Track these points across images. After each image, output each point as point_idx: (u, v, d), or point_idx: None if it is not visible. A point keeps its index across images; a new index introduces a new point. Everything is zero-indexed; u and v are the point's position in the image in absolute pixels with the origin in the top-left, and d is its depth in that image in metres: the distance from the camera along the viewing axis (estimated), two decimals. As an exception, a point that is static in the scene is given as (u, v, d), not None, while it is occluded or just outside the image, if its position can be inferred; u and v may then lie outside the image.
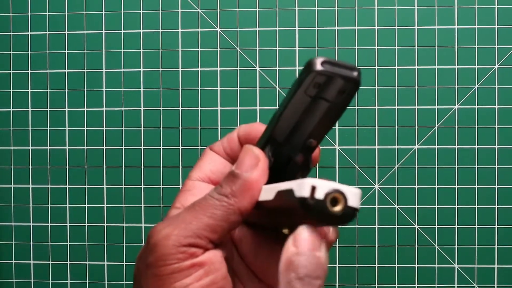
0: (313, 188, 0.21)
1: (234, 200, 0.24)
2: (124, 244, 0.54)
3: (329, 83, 0.23)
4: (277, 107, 0.25)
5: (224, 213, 0.24)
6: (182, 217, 0.25)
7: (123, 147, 0.54)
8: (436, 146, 0.53)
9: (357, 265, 0.53)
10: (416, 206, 0.53)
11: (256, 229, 0.29)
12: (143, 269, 0.25)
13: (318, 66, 0.22)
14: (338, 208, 0.21)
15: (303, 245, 0.22)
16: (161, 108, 0.54)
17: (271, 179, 0.26)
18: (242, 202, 0.25)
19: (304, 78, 0.23)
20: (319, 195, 0.21)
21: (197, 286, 0.24)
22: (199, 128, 0.54)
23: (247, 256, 0.28)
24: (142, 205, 0.54)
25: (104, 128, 0.54)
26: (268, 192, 0.25)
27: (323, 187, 0.21)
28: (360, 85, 0.23)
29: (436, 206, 0.53)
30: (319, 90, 0.23)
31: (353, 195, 0.22)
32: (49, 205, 0.55)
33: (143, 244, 0.54)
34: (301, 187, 0.21)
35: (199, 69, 0.54)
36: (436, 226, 0.53)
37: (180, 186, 0.54)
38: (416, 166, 0.53)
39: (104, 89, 0.54)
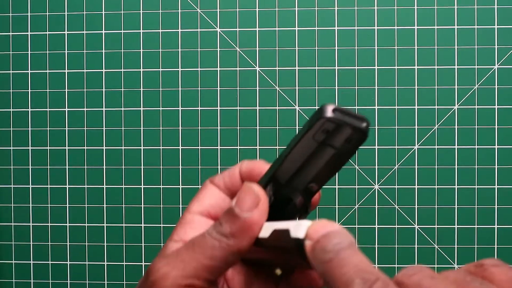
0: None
1: (234, 241, 0.24)
2: (124, 244, 0.54)
3: (337, 130, 0.24)
4: (284, 148, 0.26)
5: (223, 254, 0.24)
6: (181, 257, 0.25)
7: (123, 147, 0.54)
8: (436, 146, 0.53)
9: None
10: (416, 206, 0.53)
11: (248, 265, 0.29)
12: None
13: (329, 113, 0.23)
14: None
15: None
16: (161, 108, 0.54)
17: (270, 218, 0.26)
18: (241, 243, 0.24)
19: (313, 123, 0.23)
20: None
21: None
22: (199, 128, 0.54)
23: None
24: (142, 205, 0.54)
25: (104, 128, 0.54)
26: (264, 230, 0.25)
27: None
28: (367, 137, 0.24)
29: (436, 206, 0.53)
30: (327, 137, 0.24)
31: None
32: (49, 205, 0.55)
33: (143, 244, 0.54)
34: (298, 228, 0.22)
35: (199, 69, 0.54)
36: (436, 226, 0.53)
37: (180, 187, 0.54)
38: (416, 166, 0.53)
39: (104, 89, 0.54)
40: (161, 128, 0.54)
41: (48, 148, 0.55)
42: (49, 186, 0.55)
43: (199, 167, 0.54)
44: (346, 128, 0.23)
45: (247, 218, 0.24)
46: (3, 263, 0.55)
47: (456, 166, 0.53)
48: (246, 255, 0.26)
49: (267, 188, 0.26)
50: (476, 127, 0.53)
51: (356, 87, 0.53)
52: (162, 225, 0.54)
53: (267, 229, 0.25)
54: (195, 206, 0.29)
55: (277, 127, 0.54)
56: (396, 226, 0.53)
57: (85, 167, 0.54)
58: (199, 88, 0.54)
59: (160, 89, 0.54)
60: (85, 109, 0.54)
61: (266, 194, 0.25)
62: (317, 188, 0.27)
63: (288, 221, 0.24)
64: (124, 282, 0.54)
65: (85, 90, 0.54)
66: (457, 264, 0.53)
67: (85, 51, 0.54)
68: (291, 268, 0.29)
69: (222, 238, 0.24)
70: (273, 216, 0.26)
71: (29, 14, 0.55)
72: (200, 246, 0.25)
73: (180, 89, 0.54)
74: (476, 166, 0.53)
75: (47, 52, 0.55)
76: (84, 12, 0.54)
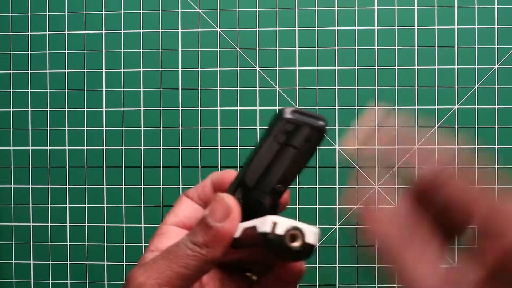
0: (274, 224, 0.23)
1: (207, 250, 0.25)
2: (124, 244, 0.54)
3: (297, 130, 0.25)
4: (250, 152, 0.28)
5: (197, 263, 0.25)
6: (157, 265, 0.26)
7: (123, 147, 0.54)
8: (436, 146, 0.53)
9: (356, 265, 0.53)
10: (416, 206, 0.53)
11: (223, 270, 0.30)
12: None
13: (288, 115, 0.25)
14: (296, 244, 0.23)
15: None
16: (161, 108, 0.54)
17: (241, 221, 0.28)
18: (214, 252, 0.25)
19: (274, 125, 0.25)
20: (279, 231, 0.23)
21: None
22: (199, 128, 0.54)
23: None
24: (142, 205, 0.54)
25: (104, 128, 0.54)
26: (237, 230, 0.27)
27: (283, 223, 0.23)
28: (325, 134, 0.26)
29: (436, 206, 0.53)
30: (287, 137, 0.26)
31: (311, 233, 0.24)
32: (49, 205, 0.55)
33: (143, 244, 0.54)
34: (264, 223, 0.24)
35: (199, 69, 0.54)
36: (436, 226, 0.53)
37: (180, 187, 0.54)
38: (416, 166, 0.53)
39: (104, 89, 0.54)
40: (161, 128, 0.54)
41: (48, 148, 0.55)
42: (49, 186, 0.55)
43: (199, 167, 0.54)
44: (305, 127, 0.25)
45: (219, 228, 0.25)
46: (3, 263, 0.55)
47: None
48: (220, 259, 0.27)
49: (236, 192, 0.28)
50: (476, 127, 0.53)
51: (356, 87, 0.53)
52: (162, 225, 0.54)
53: (239, 229, 0.26)
54: (170, 217, 0.30)
55: (277, 127, 0.54)
56: (396, 226, 0.53)
57: (85, 167, 0.54)
58: (199, 88, 0.54)
59: (160, 89, 0.54)
60: (85, 109, 0.54)
61: (237, 203, 0.27)
62: (284, 189, 0.28)
63: (256, 219, 0.25)
64: (124, 282, 0.54)
65: (85, 90, 0.54)
66: (457, 264, 0.53)
67: (85, 51, 0.54)
68: (265, 268, 0.30)
69: (195, 248, 0.25)
70: (244, 219, 0.28)
71: (29, 14, 0.55)
72: (174, 255, 0.25)
73: (180, 89, 0.54)
74: (476, 166, 0.53)
75: (47, 52, 0.55)
76: (84, 12, 0.54)
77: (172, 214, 0.30)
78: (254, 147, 0.27)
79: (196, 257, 0.25)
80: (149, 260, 0.27)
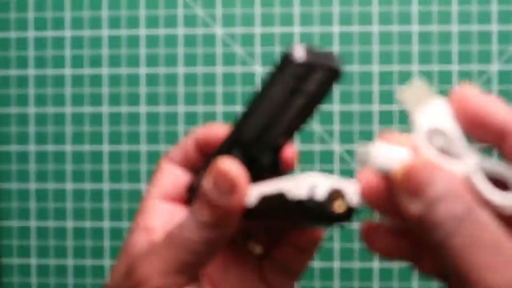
0: (312, 189, 0.19)
1: (216, 231, 0.21)
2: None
3: (309, 74, 0.21)
4: (247, 104, 0.23)
5: (206, 247, 0.22)
6: (162, 255, 0.22)
7: (123, 147, 0.54)
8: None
9: (357, 265, 0.53)
10: (416, 206, 0.53)
11: (225, 249, 0.26)
12: None
13: (300, 57, 0.20)
14: (339, 210, 0.19)
15: None
16: (161, 108, 0.54)
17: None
18: (225, 231, 0.22)
19: (282, 69, 0.20)
20: (319, 196, 0.19)
21: None
22: (199, 128, 0.54)
23: (216, 280, 0.26)
24: (142, 205, 0.54)
25: (104, 128, 0.54)
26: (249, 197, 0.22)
27: (322, 186, 0.19)
28: (341, 75, 0.21)
29: (436, 206, 0.53)
30: (299, 83, 0.21)
31: (353, 194, 0.20)
32: (49, 204, 0.55)
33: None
34: (298, 187, 0.19)
35: (199, 69, 0.54)
36: (436, 226, 0.53)
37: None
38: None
39: (104, 89, 0.54)
40: (161, 128, 0.54)
41: (48, 148, 0.55)
42: (49, 186, 0.55)
43: (199, 167, 0.54)
44: (319, 70, 0.21)
45: (227, 205, 0.21)
46: (3, 263, 0.55)
47: (456, 166, 0.53)
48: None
49: (233, 153, 0.23)
50: (476, 127, 0.52)
51: (356, 87, 0.53)
52: (162, 225, 0.54)
53: (252, 197, 0.22)
54: (153, 190, 0.26)
55: (277, 127, 0.54)
56: (396, 226, 0.53)
57: (85, 167, 0.54)
58: (199, 88, 0.54)
59: (160, 89, 0.54)
60: (85, 109, 0.54)
61: (243, 169, 0.22)
62: (285, 142, 0.24)
63: (273, 181, 0.21)
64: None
65: (85, 90, 0.54)
66: (457, 264, 0.53)
67: (85, 51, 0.54)
68: (276, 236, 0.26)
69: (202, 230, 0.21)
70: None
71: (29, 14, 0.55)
72: (179, 241, 0.22)
73: (180, 89, 0.54)
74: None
75: (47, 52, 0.55)
76: (85, 12, 0.54)
77: (154, 187, 0.26)
78: (253, 98, 0.22)
79: (204, 241, 0.21)
80: (150, 249, 0.23)
